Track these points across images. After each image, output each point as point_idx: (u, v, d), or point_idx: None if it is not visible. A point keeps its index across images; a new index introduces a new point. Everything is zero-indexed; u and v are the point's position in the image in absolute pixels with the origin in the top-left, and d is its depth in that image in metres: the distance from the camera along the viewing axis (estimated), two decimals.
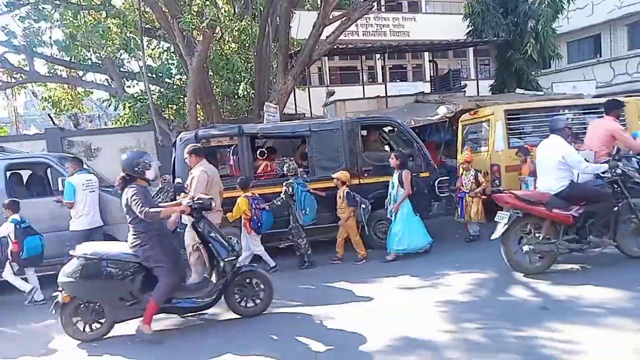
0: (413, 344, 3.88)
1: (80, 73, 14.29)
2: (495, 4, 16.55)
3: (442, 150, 10.84)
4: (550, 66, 20.10)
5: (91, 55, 13.38)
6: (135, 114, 13.66)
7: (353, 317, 4.57)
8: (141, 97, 13.37)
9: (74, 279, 4.31)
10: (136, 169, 4.40)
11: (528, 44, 15.67)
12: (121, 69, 14.15)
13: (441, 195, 7.39)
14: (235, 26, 11.18)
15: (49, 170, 8.13)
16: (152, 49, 15.28)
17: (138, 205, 4.20)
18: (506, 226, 5.10)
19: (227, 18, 10.59)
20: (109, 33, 11.35)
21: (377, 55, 19.27)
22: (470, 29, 17.27)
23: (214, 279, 4.65)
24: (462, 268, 5.87)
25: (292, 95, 12.84)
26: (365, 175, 7.22)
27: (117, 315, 4.47)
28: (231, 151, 7.79)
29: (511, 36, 16.26)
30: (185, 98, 11.44)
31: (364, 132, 8.06)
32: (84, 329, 4.49)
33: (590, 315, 4.07)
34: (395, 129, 8.32)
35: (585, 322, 3.91)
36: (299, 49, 12.69)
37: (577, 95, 11.58)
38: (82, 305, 4.45)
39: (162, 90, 14.01)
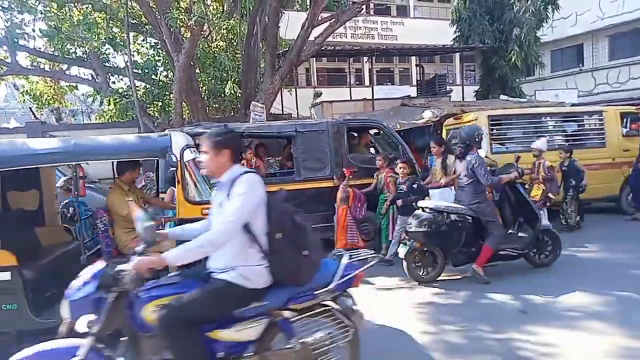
0: (393, 345, 3.92)
1: (64, 67, 14.08)
2: (482, 11, 16.80)
3: (426, 153, 10.94)
4: (533, 74, 20.45)
5: (75, 48, 13.18)
6: (120, 110, 13.50)
7: None
8: (126, 93, 13.22)
9: (425, 229, 5.21)
10: (476, 139, 5.34)
11: (512, 52, 15.93)
12: (106, 64, 13.98)
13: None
14: (224, 24, 11.17)
15: None
16: (139, 45, 15.13)
17: (484, 172, 5.12)
18: None
19: (216, 16, 10.58)
20: (95, 27, 11.20)
21: (365, 58, 19.39)
22: (457, 35, 17.49)
23: (523, 234, 5.53)
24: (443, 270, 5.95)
25: (279, 95, 12.84)
26: (350, 176, 7.25)
27: (456, 260, 5.44)
28: None
29: (497, 43, 16.53)
30: (171, 95, 11.37)
31: (350, 134, 8.09)
32: (422, 272, 5.45)
33: (566, 318, 4.17)
34: (381, 132, 8.37)
35: (562, 326, 4.01)
36: (287, 49, 12.71)
37: (560, 103, 11.81)
38: (421, 254, 5.38)
39: (147, 86, 13.89)
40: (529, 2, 15.49)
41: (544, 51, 19.31)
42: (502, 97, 14.49)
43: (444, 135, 9.51)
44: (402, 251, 5.40)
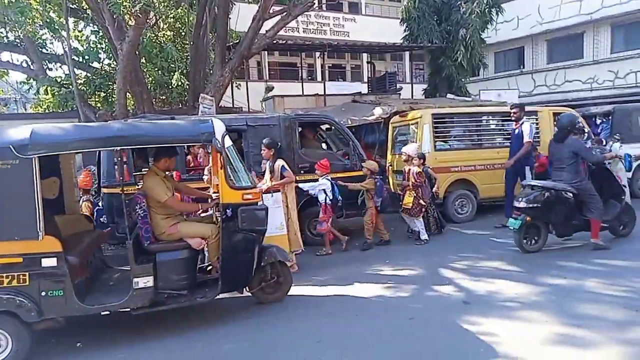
0: (339, 336, 3.95)
1: None
2: (431, 11, 17.24)
3: (377, 150, 11.10)
4: (478, 74, 21.27)
5: (7, 32, 12.27)
6: (59, 99, 12.73)
7: (277, 314, 4.57)
8: (65, 82, 12.49)
9: (536, 204, 5.78)
10: (577, 125, 6.20)
11: (458, 52, 16.47)
12: (43, 50, 13.12)
13: None
14: (171, 13, 10.79)
15: None
16: (79, 31, 14.31)
17: (590, 154, 5.94)
18: None
19: (163, 4, 10.16)
20: (29, 10, 10.45)
21: (317, 54, 19.39)
22: (406, 33, 17.84)
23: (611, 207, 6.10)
24: (392, 264, 6.06)
25: (229, 88, 12.58)
26: (302, 172, 7.21)
27: (562, 231, 6.06)
28: None
29: (444, 43, 17.02)
30: (115, 85, 10.86)
31: (302, 129, 8.05)
32: (528, 243, 6.02)
33: (506, 309, 4.35)
34: (332, 127, 8.40)
35: (502, 316, 4.18)
36: (237, 41, 12.47)
37: (502, 103, 12.34)
38: (529, 227, 5.94)
39: (89, 75, 13.19)
40: (475, 4, 16.04)
41: (488, 52, 20.13)
42: (449, 95, 14.96)
43: (390, 133, 9.63)
44: (514, 224, 5.87)
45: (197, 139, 4.28)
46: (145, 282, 3.97)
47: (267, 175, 6.24)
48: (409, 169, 7.11)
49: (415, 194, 6.96)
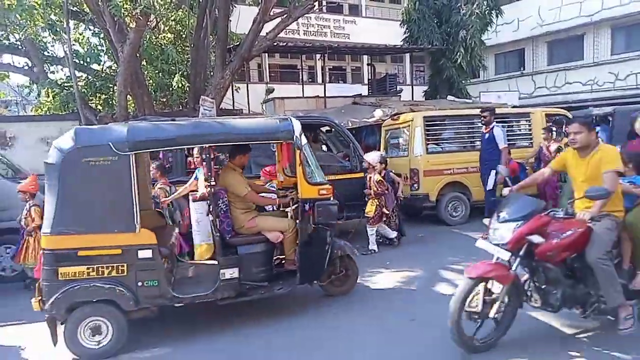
0: (339, 339, 3.95)
1: None
2: (431, 13, 17.28)
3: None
4: (478, 76, 21.28)
5: (8, 34, 12.28)
6: (60, 102, 12.74)
7: (268, 318, 4.56)
8: (66, 84, 12.51)
9: None
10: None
11: (458, 54, 16.50)
12: (44, 53, 13.14)
13: None
14: (172, 15, 10.80)
15: None
16: (80, 33, 14.34)
17: None
18: None
19: (163, 6, 10.16)
20: (31, 13, 10.46)
21: (317, 56, 19.42)
22: (406, 35, 17.88)
23: None
24: (392, 266, 6.06)
25: (229, 90, 12.60)
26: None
27: None
28: None
29: (444, 45, 17.05)
30: (115, 87, 10.87)
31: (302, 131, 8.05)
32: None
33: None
34: (333, 129, 8.41)
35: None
36: (237, 43, 12.49)
37: (502, 105, 12.34)
38: None
39: (89, 77, 13.20)
40: (475, 6, 16.08)
41: (488, 54, 20.16)
42: (450, 97, 14.98)
43: (382, 136, 9.56)
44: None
45: (277, 136, 4.42)
46: (231, 273, 4.17)
47: (202, 181, 5.92)
48: (370, 177, 6.86)
49: (377, 203, 6.76)
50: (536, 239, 3.33)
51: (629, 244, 3.56)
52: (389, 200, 6.87)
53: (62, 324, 3.79)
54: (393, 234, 7.03)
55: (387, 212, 6.87)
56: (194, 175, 6.24)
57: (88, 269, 3.72)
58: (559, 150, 7.17)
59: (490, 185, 6.89)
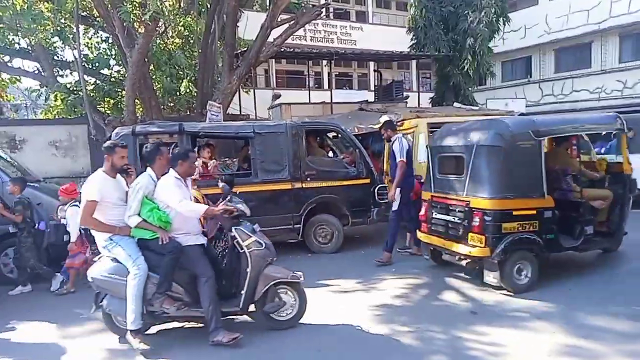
0: (347, 346, 3.93)
1: (6, 58, 13.27)
2: (437, 20, 17.28)
3: (383, 158, 11.07)
4: (485, 83, 21.26)
5: (19, 40, 12.45)
6: (68, 106, 12.87)
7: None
8: (75, 89, 12.64)
9: None
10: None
11: (465, 61, 16.48)
12: (54, 57, 13.30)
13: (381, 201, 7.51)
14: (180, 21, 10.89)
15: None
16: (89, 38, 14.50)
17: None
18: None
19: (172, 12, 10.27)
20: (41, 18, 10.60)
21: (324, 62, 19.48)
22: (413, 42, 17.90)
23: None
24: (399, 273, 6.03)
25: (236, 95, 12.67)
26: (309, 179, 7.23)
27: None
28: (170, 150, 7.45)
29: (451, 52, 17.05)
30: (124, 92, 10.96)
31: (308, 137, 8.07)
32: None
33: (514, 319, 4.31)
34: (339, 135, 8.41)
35: (510, 326, 4.14)
36: (245, 49, 12.56)
37: (509, 112, 12.28)
38: None
39: (98, 82, 13.33)
40: (482, 13, 16.08)
41: (495, 62, 20.12)
42: (456, 104, 14.93)
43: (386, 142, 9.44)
44: None
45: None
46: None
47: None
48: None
49: None
50: None
51: None
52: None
53: (499, 265, 4.81)
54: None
55: None
56: None
57: (518, 224, 4.87)
58: None
59: (395, 206, 6.44)
